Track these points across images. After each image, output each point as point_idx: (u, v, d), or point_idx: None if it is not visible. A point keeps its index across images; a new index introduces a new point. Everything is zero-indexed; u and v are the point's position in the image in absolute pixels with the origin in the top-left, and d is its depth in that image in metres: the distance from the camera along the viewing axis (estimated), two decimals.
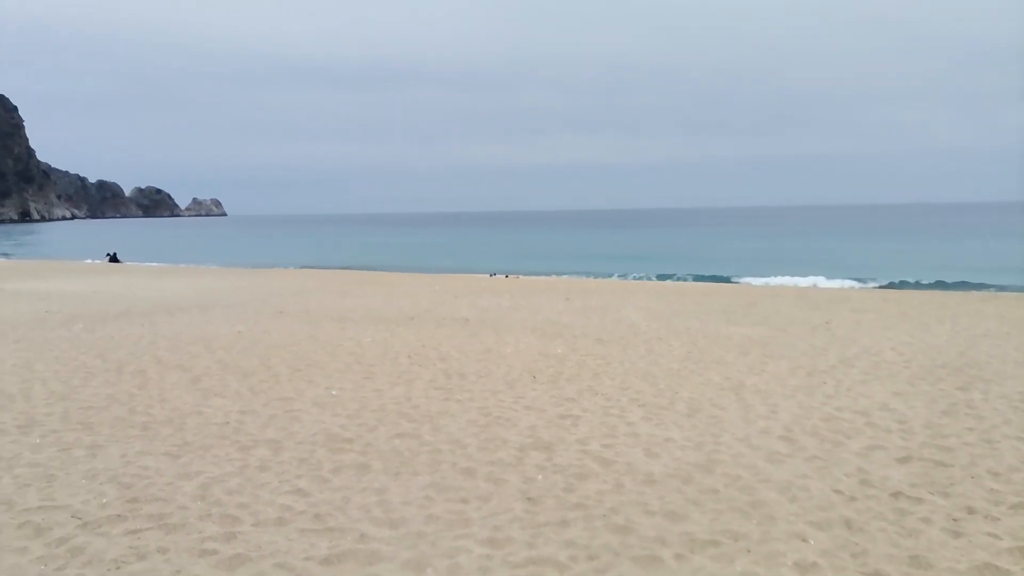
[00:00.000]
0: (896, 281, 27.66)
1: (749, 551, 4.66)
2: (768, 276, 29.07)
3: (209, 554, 4.67)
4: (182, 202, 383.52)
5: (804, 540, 4.77)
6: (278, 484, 5.86)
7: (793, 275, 28.70)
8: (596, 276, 30.75)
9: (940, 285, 26.53)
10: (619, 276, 31.05)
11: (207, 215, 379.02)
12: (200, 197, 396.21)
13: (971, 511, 5.19)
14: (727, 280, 28.68)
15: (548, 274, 31.59)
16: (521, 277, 29.16)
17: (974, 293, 23.04)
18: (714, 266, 36.01)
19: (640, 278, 29.88)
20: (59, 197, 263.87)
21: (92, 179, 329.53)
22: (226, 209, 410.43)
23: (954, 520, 5.04)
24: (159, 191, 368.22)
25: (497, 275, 30.07)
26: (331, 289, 22.87)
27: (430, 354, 11.55)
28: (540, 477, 6.05)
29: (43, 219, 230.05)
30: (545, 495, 5.66)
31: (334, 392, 8.96)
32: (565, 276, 30.61)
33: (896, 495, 5.52)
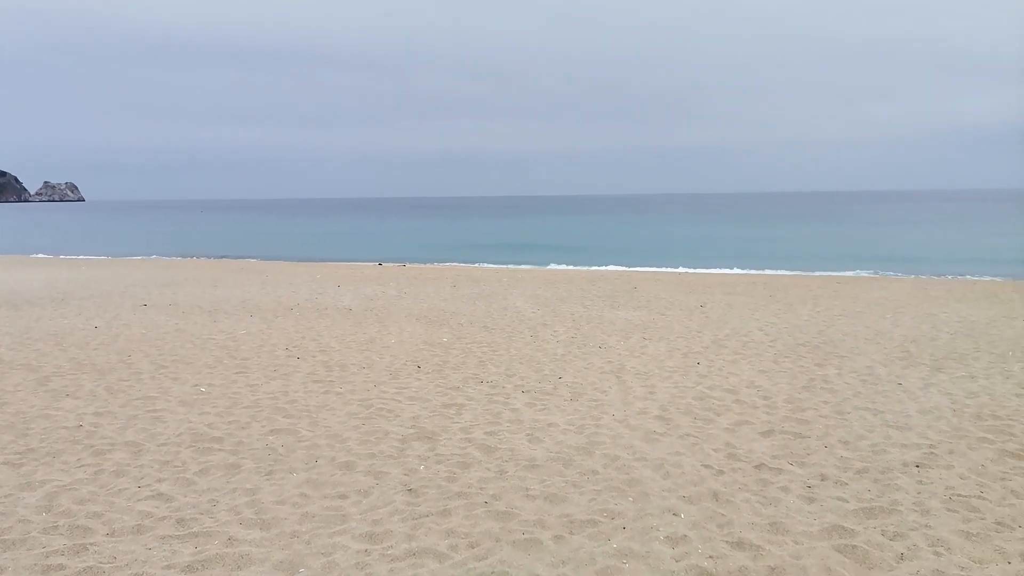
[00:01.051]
0: (773, 266, 29.48)
1: (625, 528, 4.79)
2: (653, 266, 30.22)
3: (55, 570, 4.27)
4: (31, 186, 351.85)
5: (676, 514, 4.96)
6: (137, 490, 5.45)
7: (676, 265, 29.93)
8: (486, 264, 30.86)
9: (804, 268, 28.48)
10: (511, 264, 31.31)
11: (61, 200, 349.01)
12: (53, 181, 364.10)
13: (824, 478, 5.58)
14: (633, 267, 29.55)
15: (438, 262, 31.39)
16: (408, 265, 28.83)
17: (833, 276, 24.92)
18: (606, 254, 37.02)
19: (530, 265, 30.26)
20: None
21: None
22: (84, 194, 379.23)
23: (809, 487, 5.40)
24: (3, 173, 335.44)
25: (385, 264, 29.56)
26: (203, 279, 21.66)
27: (309, 346, 11.16)
28: (422, 468, 5.97)
29: None
30: (427, 486, 5.59)
31: (203, 389, 8.47)
32: (455, 264, 30.52)
33: (759, 467, 5.85)
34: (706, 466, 5.89)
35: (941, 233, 52.92)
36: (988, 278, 23.79)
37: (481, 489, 5.50)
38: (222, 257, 35.18)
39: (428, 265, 29.41)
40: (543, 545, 4.60)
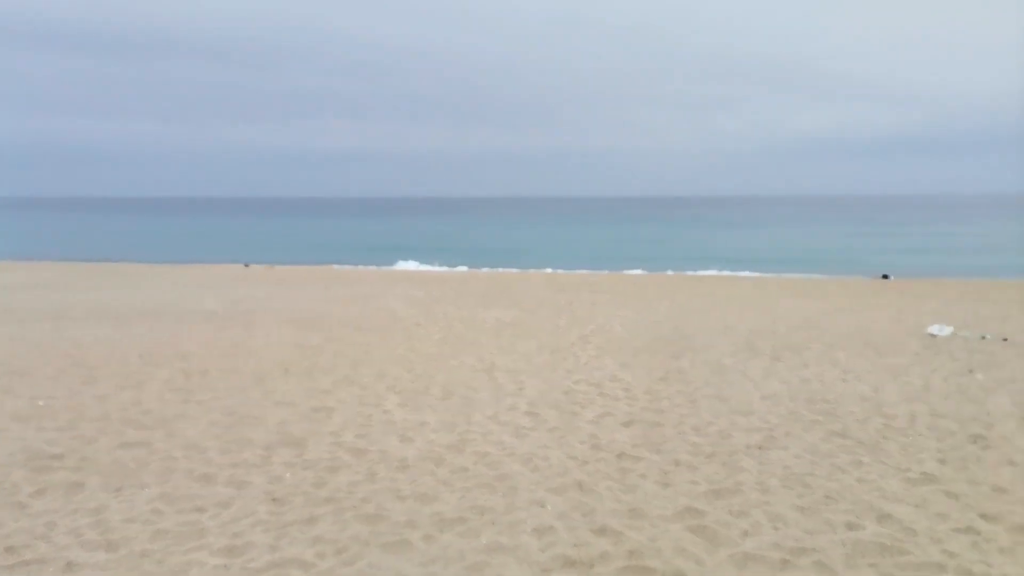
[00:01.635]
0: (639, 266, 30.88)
1: (494, 523, 4.90)
2: (529, 267, 30.81)
3: None
4: None
5: (543, 506, 5.14)
6: None
7: (544, 266, 30.67)
8: (360, 266, 30.24)
9: (663, 267, 30.12)
10: (385, 266, 30.85)
11: None
12: None
13: (678, 463, 5.98)
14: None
15: (309, 264, 30.38)
16: (276, 267, 27.70)
17: (689, 274, 26.57)
18: (480, 254, 37.29)
19: (406, 266, 29.96)
20: None
21: None
22: None
23: (665, 473, 5.76)
24: None
25: (252, 265, 28.24)
26: (45, 283, 19.76)
27: (167, 352, 10.49)
28: (288, 475, 5.79)
29: None
30: (293, 493, 5.44)
31: (41, 403, 7.75)
32: (327, 266, 29.67)
33: (621, 456, 6.16)
34: (572, 457, 6.13)
35: (780, 235, 57.72)
36: (818, 276, 26.23)
37: (350, 493, 5.42)
38: (68, 260, 32.18)
39: (299, 267, 28.40)
40: (413, 546, 4.62)
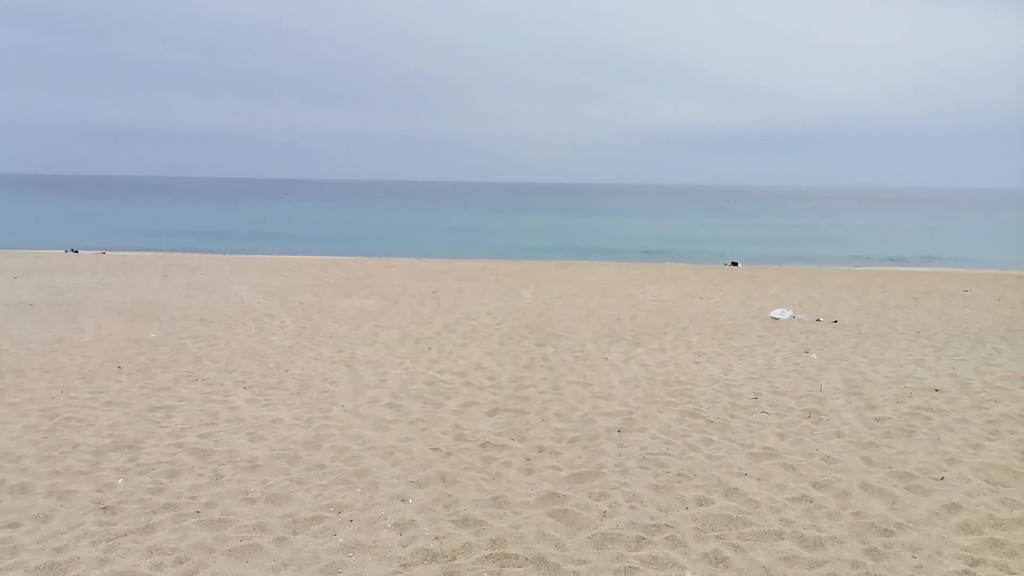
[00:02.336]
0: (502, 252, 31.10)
1: (352, 520, 4.67)
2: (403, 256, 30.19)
3: None
4: None
5: (404, 500, 4.96)
6: None
7: (410, 253, 30.24)
8: (204, 253, 28.33)
9: (531, 255, 30.59)
10: (239, 253, 29.09)
11: None
12: None
13: (541, 450, 6.00)
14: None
15: (146, 250, 28.08)
16: (108, 253, 25.39)
17: (554, 261, 27.13)
18: (340, 241, 36.11)
19: (266, 254, 28.42)
20: None
21: None
22: None
23: (528, 460, 5.76)
24: None
25: (81, 251, 25.69)
26: None
27: None
28: (120, 481, 5.24)
29: None
30: (126, 501, 4.92)
31: None
32: (166, 252, 27.55)
33: (484, 445, 6.10)
34: (435, 449, 5.99)
35: (642, 223, 60.48)
36: (675, 263, 27.66)
37: (193, 498, 4.99)
38: None
39: (134, 253, 26.18)
40: (263, 550, 4.30)
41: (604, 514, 4.76)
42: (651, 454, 5.92)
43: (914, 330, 12.09)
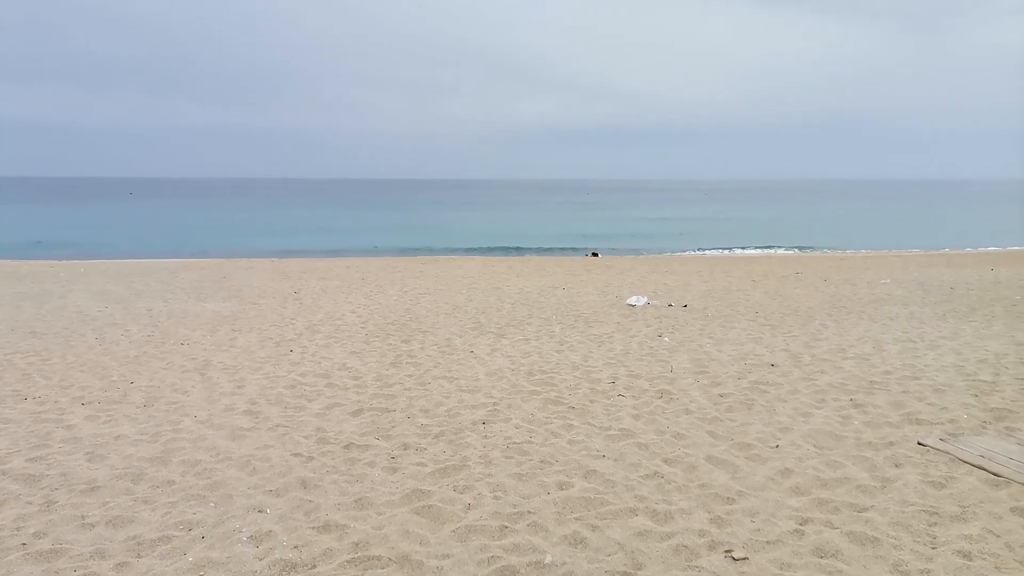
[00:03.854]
0: (366, 248, 30.46)
1: (204, 537, 4.43)
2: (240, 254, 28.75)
3: None
4: None
5: (261, 511, 4.76)
6: None
7: (269, 252, 28.98)
8: (32, 259, 25.72)
9: (397, 251, 30.23)
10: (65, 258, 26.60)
11: None
12: None
13: (406, 447, 5.96)
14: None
15: None
16: None
17: (420, 257, 26.97)
18: (191, 242, 33.93)
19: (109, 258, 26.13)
20: None
21: None
22: None
23: (392, 458, 5.71)
24: None
25: None
26: None
27: None
28: None
29: None
30: None
31: None
32: None
33: (348, 446, 5.98)
34: (296, 455, 5.79)
35: (504, 217, 61.36)
36: (539, 255, 28.33)
37: (18, 529, 4.53)
38: None
39: None
40: None
41: (468, 506, 4.81)
42: (515, 443, 6.05)
43: (753, 311, 13.11)
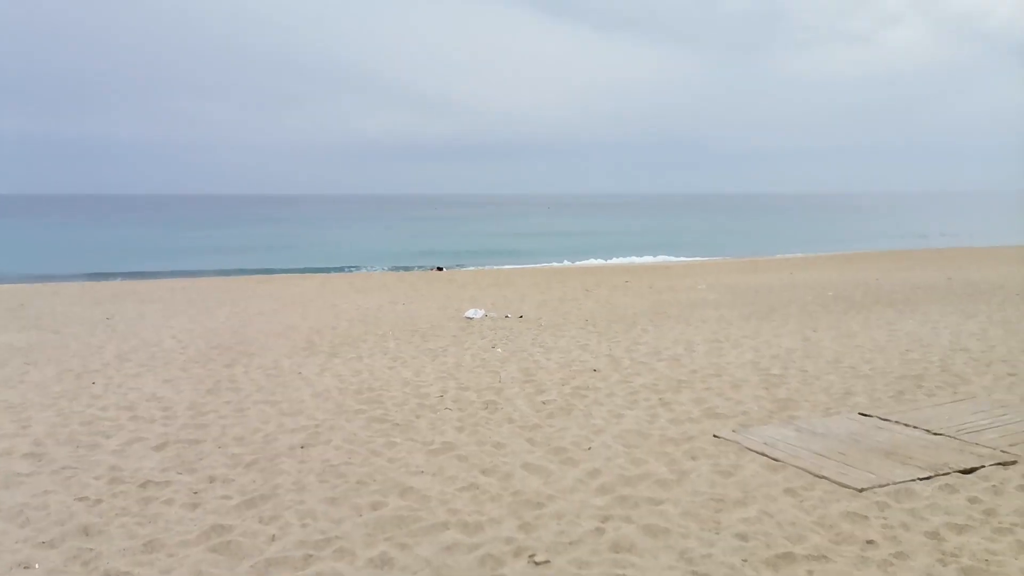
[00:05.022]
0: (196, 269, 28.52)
1: None
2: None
3: None
4: None
5: (28, 567, 4.26)
6: None
7: (81, 274, 26.39)
8: None
9: (231, 271, 28.60)
10: None
11: None
12: None
13: (212, 480, 5.59)
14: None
15: None
16: None
17: (256, 276, 25.70)
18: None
19: None
20: None
21: None
22: None
23: (195, 493, 5.33)
24: None
25: None
26: None
27: None
28: None
29: None
30: None
31: None
32: None
33: (145, 484, 5.51)
34: (81, 499, 5.25)
35: (347, 233, 60.07)
36: (382, 271, 27.96)
37: None
38: None
39: None
40: None
41: (272, 538, 4.58)
42: (332, 466, 5.86)
43: (584, 319, 13.69)
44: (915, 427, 6.48)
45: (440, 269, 28.52)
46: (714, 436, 6.45)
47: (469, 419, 7.17)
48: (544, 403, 7.70)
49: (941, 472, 5.41)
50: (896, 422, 6.66)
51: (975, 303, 14.80)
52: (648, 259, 32.23)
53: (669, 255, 34.46)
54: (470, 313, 14.37)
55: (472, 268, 28.36)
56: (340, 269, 29.34)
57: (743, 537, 4.47)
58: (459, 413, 7.40)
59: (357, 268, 29.95)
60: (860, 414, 7.00)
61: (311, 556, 4.33)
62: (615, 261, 32.00)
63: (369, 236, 56.11)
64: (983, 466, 5.51)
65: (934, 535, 4.45)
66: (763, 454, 5.88)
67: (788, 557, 4.21)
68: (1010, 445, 5.95)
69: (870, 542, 4.37)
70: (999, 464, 5.56)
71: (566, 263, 31.63)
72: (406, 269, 28.93)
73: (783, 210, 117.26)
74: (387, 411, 7.52)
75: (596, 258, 33.66)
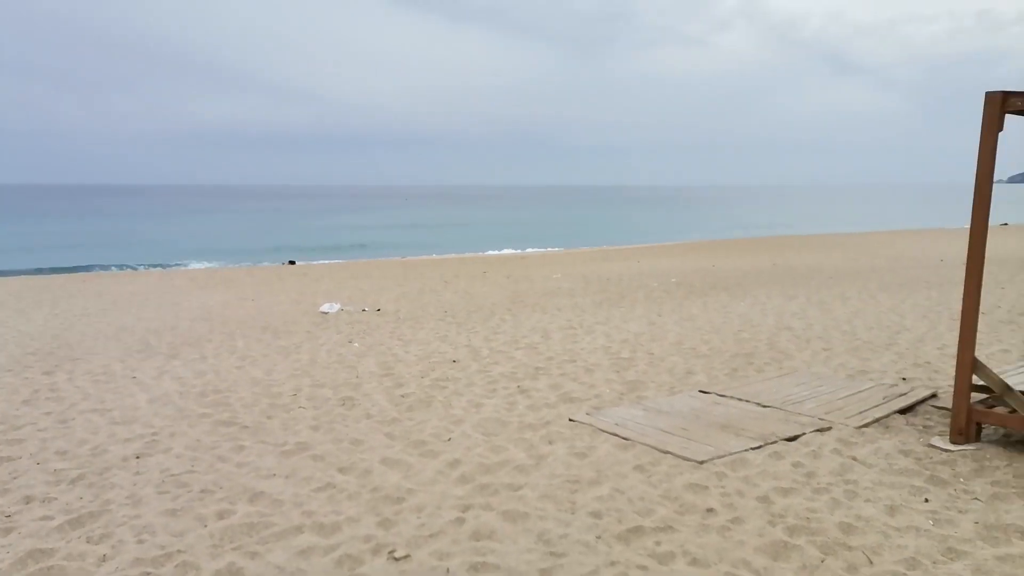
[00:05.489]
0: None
1: None
2: None
3: None
4: None
5: None
6: None
7: None
8: None
9: (53, 267, 25.86)
10: None
11: None
12: None
13: (29, 500, 5.01)
14: None
15: None
16: None
17: (82, 274, 23.38)
18: None
19: None
20: None
21: None
22: None
23: (8, 516, 4.75)
24: None
25: None
26: None
27: None
28: None
29: None
30: None
31: None
32: None
33: None
34: None
35: (191, 225, 56.26)
36: (230, 266, 26.38)
37: None
38: None
39: None
40: None
41: (103, 558, 4.18)
42: (172, 475, 5.45)
43: (443, 310, 13.67)
44: (747, 401, 7.05)
45: (292, 263, 27.39)
46: (570, 420, 6.65)
47: (325, 417, 6.93)
48: (403, 396, 7.60)
49: (770, 441, 5.91)
50: (731, 397, 7.20)
51: (795, 286, 16.35)
52: (508, 251, 32.76)
53: (527, 246, 35.21)
54: (325, 307, 13.90)
55: (327, 262, 27.46)
56: (181, 265, 27.38)
57: (597, 515, 4.65)
58: (314, 411, 7.13)
59: (200, 263, 28.08)
60: (700, 391, 7.50)
61: (149, 574, 4.00)
62: (473, 253, 32.23)
63: (214, 229, 52.78)
64: (804, 433, 6.09)
65: (764, 499, 4.85)
66: (615, 434, 6.15)
67: (638, 530, 4.42)
68: (826, 413, 6.62)
69: (710, 510, 4.70)
70: (817, 431, 6.16)
71: (424, 256, 31.46)
72: (256, 264, 27.50)
73: (630, 202, 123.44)
74: (235, 413, 7.10)
75: (456, 251, 33.75)
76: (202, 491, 5.15)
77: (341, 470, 5.52)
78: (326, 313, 13.55)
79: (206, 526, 4.59)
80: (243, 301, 15.47)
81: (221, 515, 4.74)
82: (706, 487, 5.06)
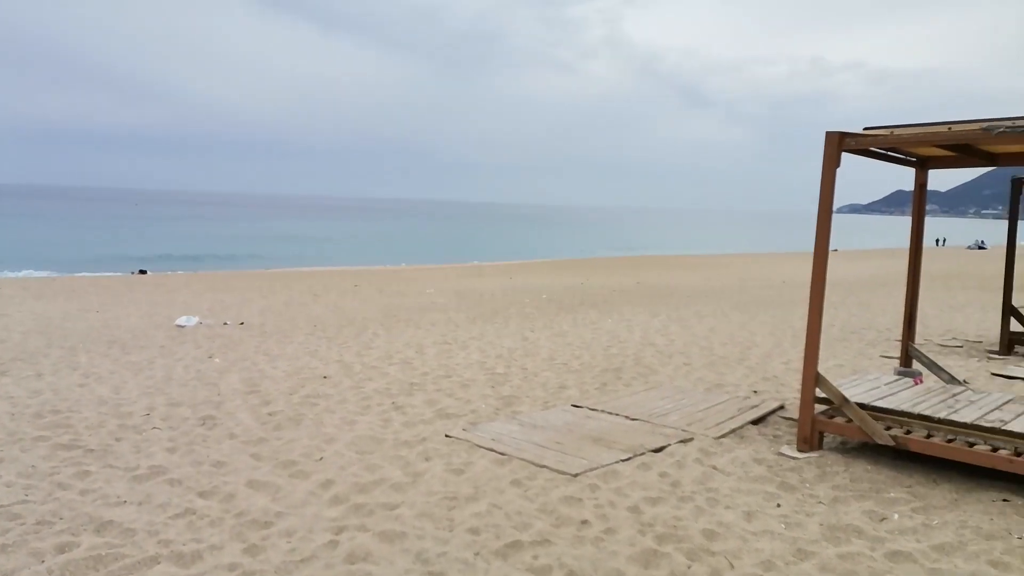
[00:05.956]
0: None
1: None
2: None
3: None
4: None
5: None
6: None
7: None
8: None
9: None
10: None
11: None
12: None
13: None
14: None
15: None
16: None
17: None
18: None
19: None
20: None
21: None
22: None
23: None
24: None
25: None
26: None
27: None
28: None
29: None
30: None
31: None
32: None
33: None
34: None
35: (30, 230, 51.09)
36: (72, 274, 24.13)
37: None
38: None
39: None
40: None
41: None
42: (2, 506, 4.86)
43: (312, 324, 13.20)
44: (617, 414, 7.32)
45: (144, 272, 25.48)
46: (446, 436, 6.61)
47: (183, 438, 6.46)
48: (270, 415, 7.24)
49: (638, 453, 6.16)
50: (602, 411, 7.45)
51: (657, 304, 17.24)
52: (380, 266, 32.22)
53: (398, 261, 34.81)
54: (182, 320, 13.01)
55: (184, 272, 25.76)
56: (11, 273, 24.70)
57: (475, 531, 4.63)
58: (170, 432, 6.63)
59: (36, 272, 25.46)
60: (573, 405, 7.70)
61: None
62: (344, 266, 31.42)
63: (54, 234, 48.11)
64: (669, 444, 6.40)
65: (635, 509, 5.04)
66: (491, 449, 6.17)
67: (516, 545, 4.45)
68: (688, 424, 7.00)
69: (584, 522, 4.81)
70: (681, 442, 6.49)
71: (291, 268, 30.29)
72: (101, 273, 25.31)
73: (503, 219, 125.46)
74: (78, 436, 6.46)
75: (324, 264, 32.76)
76: (38, 523, 4.63)
77: (202, 494, 5.16)
78: (183, 326, 12.70)
79: (43, 562, 4.12)
80: (86, 312, 14.19)
81: (62, 548, 4.28)
82: (580, 499, 5.18)
